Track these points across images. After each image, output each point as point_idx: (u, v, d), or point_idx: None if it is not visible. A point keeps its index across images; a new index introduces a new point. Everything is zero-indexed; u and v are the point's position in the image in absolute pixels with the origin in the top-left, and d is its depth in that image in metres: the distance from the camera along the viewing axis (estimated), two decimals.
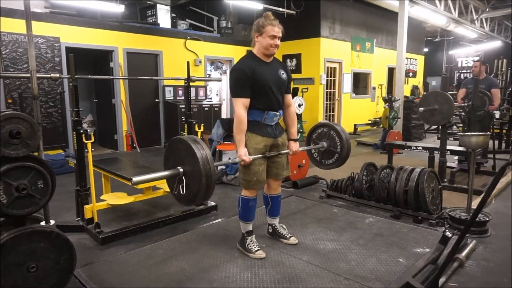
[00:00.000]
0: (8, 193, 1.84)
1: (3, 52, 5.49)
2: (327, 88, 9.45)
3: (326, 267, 2.52)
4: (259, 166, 2.58)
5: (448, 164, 4.66)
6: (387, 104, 7.17)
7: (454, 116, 6.65)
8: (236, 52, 9.12)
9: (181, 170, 2.05)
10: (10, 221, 1.95)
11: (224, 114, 9.05)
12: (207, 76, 8.78)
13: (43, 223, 2.23)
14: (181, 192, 2.08)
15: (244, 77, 2.45)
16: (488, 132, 3.83)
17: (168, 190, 3.55)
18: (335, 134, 2.98)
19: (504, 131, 6.77)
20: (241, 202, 2.68)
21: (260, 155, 2.55)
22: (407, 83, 12.31)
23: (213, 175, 1.98)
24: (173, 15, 8.81)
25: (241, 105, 2.45)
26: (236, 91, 2.47)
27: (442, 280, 2.27)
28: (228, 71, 9.28)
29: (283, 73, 2.63)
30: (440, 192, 3.53)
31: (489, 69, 11.56)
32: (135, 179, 1.92)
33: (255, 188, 2.63)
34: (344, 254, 2.72)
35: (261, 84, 2.49)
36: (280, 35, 2.53)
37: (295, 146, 2.75)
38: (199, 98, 8.25)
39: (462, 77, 15.50)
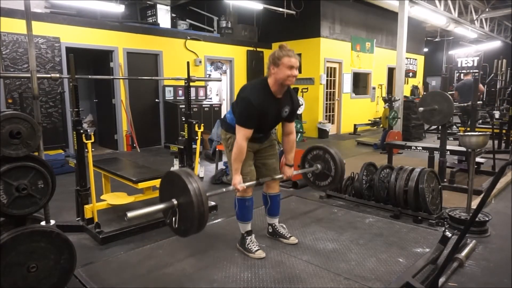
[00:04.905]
0: (8, 193, 1.84)
1: (4, 52, 5.49)
2: (327, 88, 9.45)
3: (326, 267, 2.52)
4: (249, 166, 2.65)
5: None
6: (387, 104, 7.18)
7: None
8: (236, 52, 9.12)
9: (175, 202, 2.08)
10: (10, 221, 1.95)
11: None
12: (207, 76, 8.78)
13: (43, 223, 2.23)
14: (174, 226, 2.13)
15: (253, 111, 2.43)
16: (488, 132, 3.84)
17: None
18: (330, 158, 3.02)
19: (504, 131, 6.76)
20: (238, 203, 2.69)
21: (254, 182, 2.61)
22: (407, 83, 12.31)
23: (206, 210, 2.00)
24: (173, 15, 8.81)
25: (244, 135, 2.46)
26: (242, 120, 2.47)
27: (442, 280, 2.28)
28: (228, 71, 9.27)
29: (286, 111, 2.64)
30: (440, 192, 3.53)
31: (489, 69, 11.59)
32: (130, 214, 1.90)
33: (250, 188, 2.65)
34: (344, 254, 2.72)
35: (260, 119, 2.50)
36: (297, 65, 2.46)
37: (289, 172, 2.81)
38: (199, 98, 8.25)
39: (462, 77, 15.49)
